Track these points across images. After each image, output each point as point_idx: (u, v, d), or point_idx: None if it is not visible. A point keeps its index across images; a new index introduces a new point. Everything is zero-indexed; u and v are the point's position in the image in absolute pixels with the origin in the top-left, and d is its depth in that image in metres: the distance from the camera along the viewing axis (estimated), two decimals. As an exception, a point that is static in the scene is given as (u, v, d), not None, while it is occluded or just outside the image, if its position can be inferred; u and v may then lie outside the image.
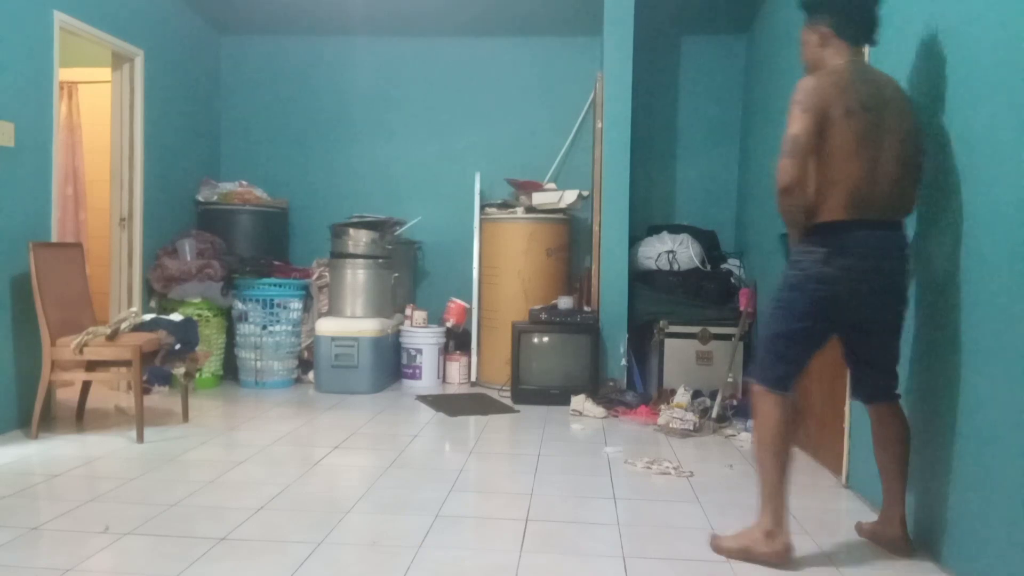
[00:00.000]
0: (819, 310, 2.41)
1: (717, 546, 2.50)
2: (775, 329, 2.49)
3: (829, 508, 3.00)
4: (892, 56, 2.92)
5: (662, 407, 4.32)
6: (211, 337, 5.03)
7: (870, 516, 2.86)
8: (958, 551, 2.31)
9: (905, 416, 2.54)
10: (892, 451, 2.53)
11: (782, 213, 2.44)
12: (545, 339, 4.87)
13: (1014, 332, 2.04)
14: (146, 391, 4.50)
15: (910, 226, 2.63)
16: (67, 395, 4.38)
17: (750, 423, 4.09)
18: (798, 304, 2.43)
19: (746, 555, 2.42)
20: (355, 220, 5.42)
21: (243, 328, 5.11)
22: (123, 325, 3.89)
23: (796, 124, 2.33)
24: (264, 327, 5.10)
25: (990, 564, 2.13)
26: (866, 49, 2.77)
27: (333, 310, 5.23)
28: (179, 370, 4.10)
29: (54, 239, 4.15)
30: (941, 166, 2.49)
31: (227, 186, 5.64)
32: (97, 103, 6.18)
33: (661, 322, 4.82)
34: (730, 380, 4.54)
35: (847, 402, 3.19)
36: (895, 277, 2.43)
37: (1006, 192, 2.11)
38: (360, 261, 5.15)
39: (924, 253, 2.60)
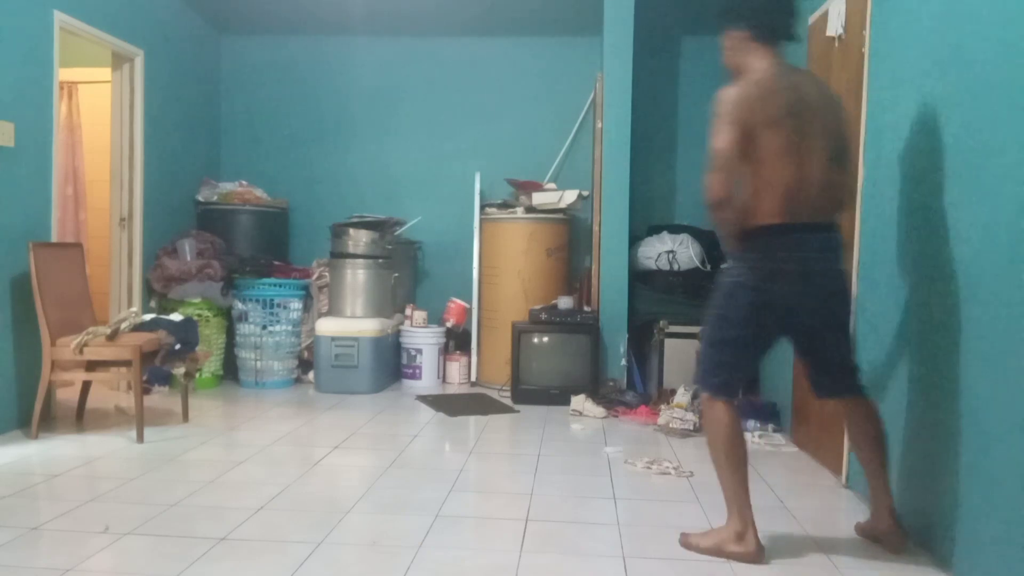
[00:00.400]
0: (757, 315, 2.42)
1: (687, 543, 2.52)
2: (715, 336, 2.51)
3: (829, 508, 3.00)
4: (893, 54, 2.92)
5: (662, 407, 4.32)
6: (211, 337, 5.03)
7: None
8: (958, 551, 2.31)
9: (875, 408, 2.56)
10: (867, 446, 2.54)
11: (716, 225, 2.47)
12: (545, 339, 4.87)
13: (1014, 332, 2.04)
14: (146, 391, 4.50)
15: (906, 225, 2.63)
16: (67, 395, 4.38)
17: (750, 423, 4.11)
18: (735, 311, 2.45)
19: (718, 553, 2.44)
20: (355, 220, 5.42)
21: (243, 328, 5.11)
22: (123, 325, 3.89)
23: (721, 138, 2.35)
24: (264, 327, 5.10)
25: (991, 564, 2.13)
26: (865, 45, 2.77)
27: (333, 310, 5.23)
28: (179, 370, 4.10)
29: (54, 239, 4.15)
30: (936, 165, 2.49)
31: (227, 186, 5.64)
32: (97, 103, 6.18)
33: (661, 322, 4.82)
34: (730, 380, 4.53)
35: (847, 402, 3.19)
36: (831, 276, 2.46)
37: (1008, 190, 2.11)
38: (360, 261, 5.15)
39: (923, 252, 2.60)
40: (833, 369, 2.56)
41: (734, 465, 2.45)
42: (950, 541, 2.35)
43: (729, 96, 2.38)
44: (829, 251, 2.45)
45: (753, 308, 2.41)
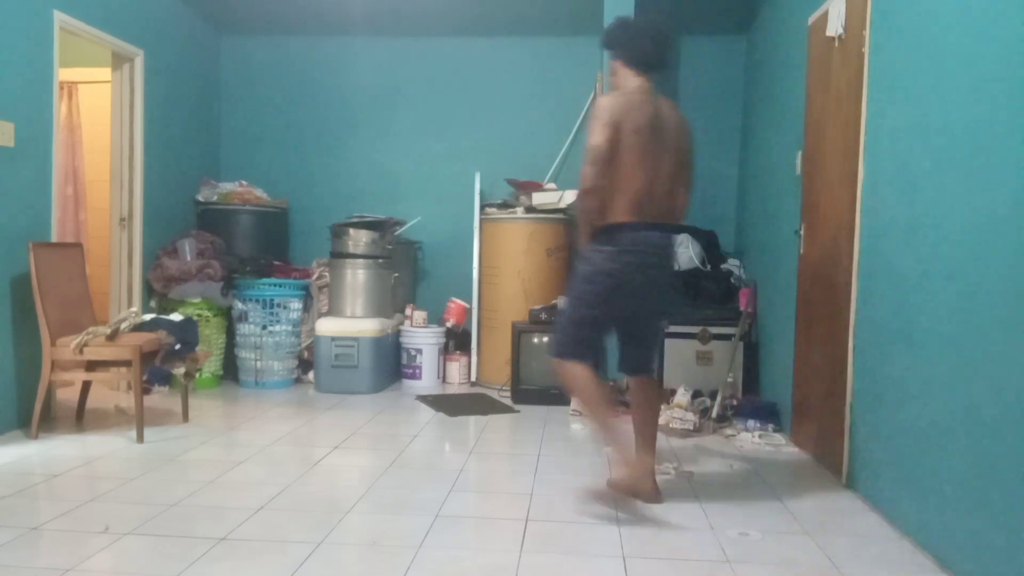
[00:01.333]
0: (606, 299, 2.85)
1: (613, 486, 2.85)
2: (572, 316, 2.93)
3: (829, 508, 3.00)
4: (893, 54, 2.92)
5: (662, 407, 4.32)
6: (211, 337, 5.03)
7: (870, 515, 2.87)
8: (959, 551, 2.31)
9: (656, 385, 3.07)
10: (646, 415, 3.00)
11: (581, 213, 2.87)
12: (545, 339, 4.87)
13: (1015, 331, 2.04)
14: (146, 391, 4.50)
15: (906, 226, 2.63)
16: (67, 395, 4.38)
17: (750, 423, 4.10)
18: (590, 294, 2.86)
19: (629, 494, 2.85)
20: (355, 220, 5.42)
21: (243, 328, 5.11)
22: (123, 325, 3.89)
23: (597, 136, 2.76)
24: (264, 327, 5.10)
25: (991, 564, 2.13)
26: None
27: (333, 310, 5.23)
28: (179, 370, 4.10)
29: (54, 239, 4.15)
30: (935, 165, 2.49)
31: (227, 186, 5.64)
32: (97, 103, 6.18)
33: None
34: (730, 380, 4.54)
35: (847, 402, 3.19)
36: (663, 271, 2.90)
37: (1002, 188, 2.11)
38: (360, 261, 5.15)
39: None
40: (642, 350, 3.02)
41: (602, 408, 2.87)
42: (950, 541, 2.36)
43: (605, 102, 2.83)
44: (667, 249, 2.90)
45: (606, 292, 2.84)
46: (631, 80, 2.94)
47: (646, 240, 2.81)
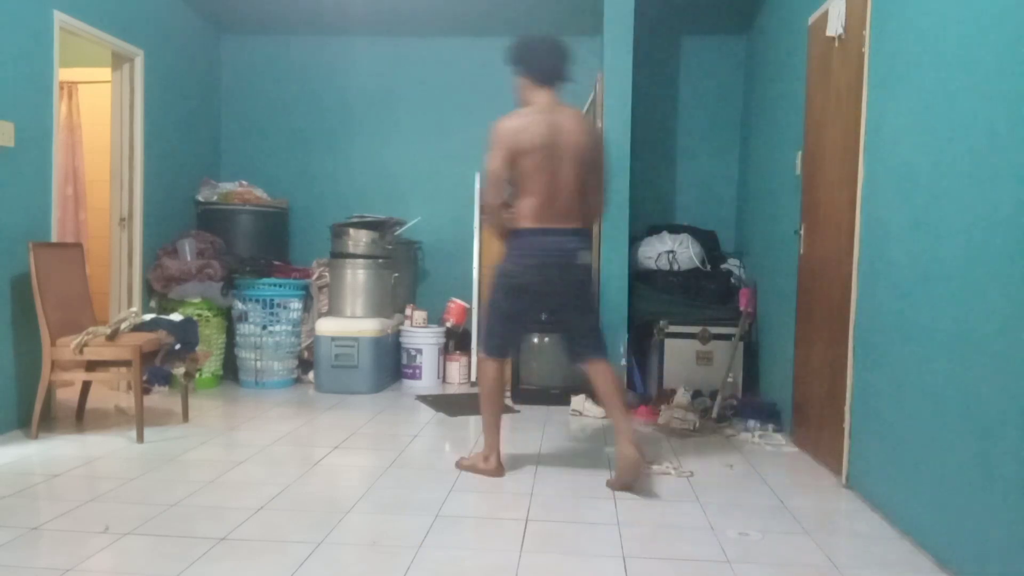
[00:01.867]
0: (514, 296, 3.18)
1: (458, 465, 3.36)
2: (489, 312, 3.29)
3: (829, 508, 3.00)
4: (893, 54, 2.92)
5: (662, 407, 4.32)
6: (211, 337, 5.03)
7: (870, 515, 2.87)
8: (959, 551, 2.31)
9: (611, 369, 3.25)
10: (609, 396, 3.20)
11: (488, 225, 3.27)
12: (545, 339, 4.87)
13: (1015, 331, 2.04)
14: (146, 391, 4.50)
15: (906, 226, 2.62)
16: (67, 395, 4.38)
17: (750, 423, 4.11)
18: (500, 295, 3.22)
19: (472, 470, 3.30)
20: (355, 220, 5.42)
21: (243, 328, 5.11)
22: (123, 325, 3.89)
23: (492, 161, 3.11)
24: (264, 327, 5.10)
25: (991, 564, 2.13)
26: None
27: (333, 310, 5.23)
28: (179, 370, 4.10)
29: (54, 239, 4.15)
30: (935, 165, 2.49)
31: (227, 186, 5.64)
32: (97, 103, 6.18)
33: (661, 322, 4.82)
34: (730, 380, 4.54)
35: (847, 402, 3.19)
36: (566, 270, 3.13)
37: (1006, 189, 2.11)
38: (360, 261, 5.15)
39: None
40: (580, 340, 3.26)
41: (495, 407, 3.29)
42: (951, 541, 2.36)
43: (499, 127, 3.12)
44: (571, 250, 3.12)
45: (514, 290, 3.16)
46: (535, 94, 3.18)
47: (544, 244, 3.10)
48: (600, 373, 3.23)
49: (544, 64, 3.18)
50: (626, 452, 3.04)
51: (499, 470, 3.27)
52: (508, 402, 4.83)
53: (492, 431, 3.29)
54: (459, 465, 3.37)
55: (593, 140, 3.19)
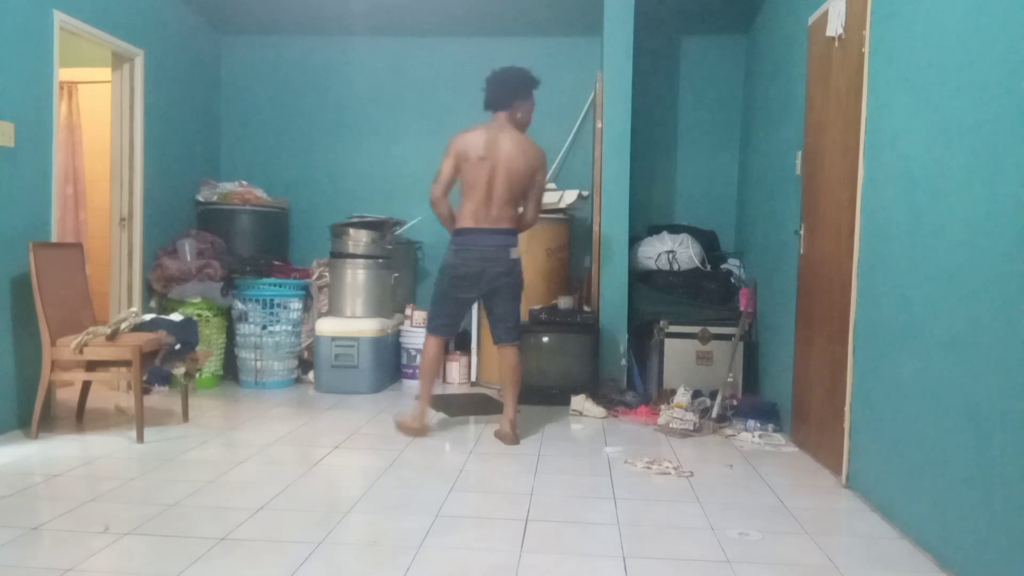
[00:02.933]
0: (451, 285, 3.84)
1: (396, 424, 3.98)
2: (434, 297, 3.94)
3: (829, 508, 3.00)
4: (893, 54, 2.92)
5: (662, 407, 4.32)
6: (211, 337, 5.03)
7: (870, 515, 2.87)
8: (959, 551, 2.31)
9: (516, 356, 3.88)
10: (506, 379, 3.91)
11: (439, 219, 3.92)
12: (545, 339, 4.87)
13: (1015, 330, 2.04)
14: (146, 391, 4.50)
15: (906, 226, 2.62)
16: (67, 395, 4.38)
17: (750, 423, 4.11)
18: (441, 281, 3.89)
19: (404, 428, 3.91)
20: (355, 220, 5.42)
21: (243, 328, 5.11)
22: (123, 325, 3.89)
23: (443, 165, 3.84)
24: (264, 327, 5.10)
25: (991, 564, 2.13)
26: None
27: (333, 310, 5.23)
28: (179, 370, 4.10)
29: (54, 239, 4.15)
30: (935, 164, 2.49)
31: (227, 186, 5.64)
32: (97, 103, 6.18)
33: (661, 322, 4.82)
34: (730, 380, 4.54)
35: (847, 402, 3.19)
36: (494, 263, 3.75)
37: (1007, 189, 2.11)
38: (360, 261, 5.15)
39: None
40: (499, 324, 3.87)
41: (428, 378, 3.93)
42: (950, 541, 2.36)
43: (452, 137, 3.87)
44: (500, 246, 3.75)
45: (451, 279, 3.83)
46: (491, 119, 3.92)
47: (475, 241, 3.75)
48: (505, 357, 3.89)
49: (489, 94, 3.91)
50: (504, 430, 3.84)
51: (424, 430, 3.93)
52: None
53: (425, 397, 3.95)
54: (397, 424, 3.97)
55: (527, 163, 3.78)
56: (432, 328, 3.93)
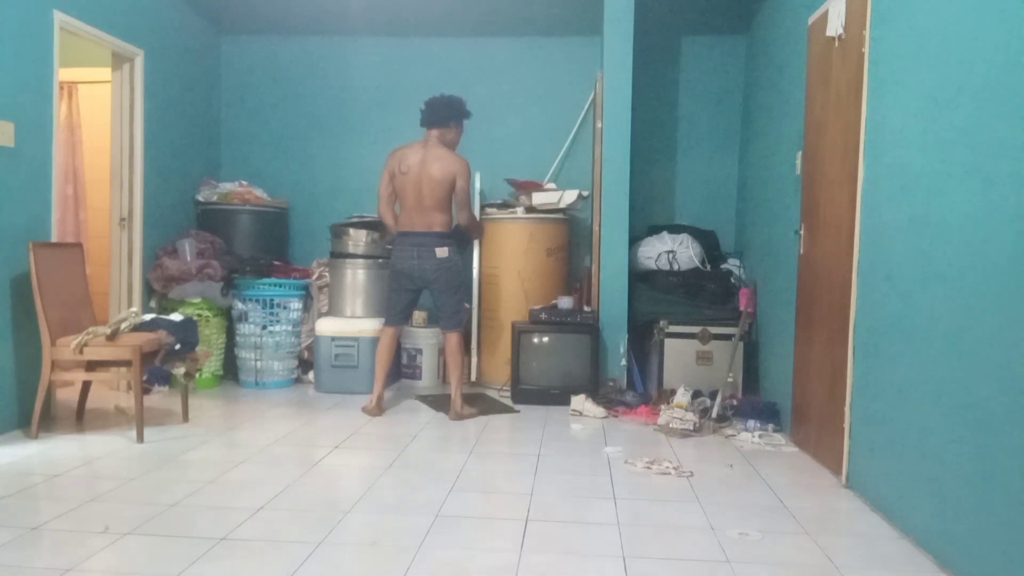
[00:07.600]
0: (393, 279, 4.46)
1: (363, 408, 4.45)
2: (385, 292, 4.62)
3: (829, 508, 3.00)
4: (893, 54, 2.92)
5: (662, 407, 4.32)
6: (211, 337, 5.03)
7: (870, 515, 2.88)
8: (959, 551, 2.31)
9: (459, 342, 4.41)
10: (449, 360, 4.44)
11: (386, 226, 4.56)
12: (545, 339, 4.87)
13: (1015, 330, 2.04)
14: (146, 391, 4.49)
15: (906, 226, 2.62)
16: (67, 395, 4.38)
17: (750, 423, 4.11)
18: (389, 277, 4.50)
19: (367, 412, 4.39)
20: (355, 220, 5.42)
21: (243, 328, 5.11)
22: (123, 325, 3.89)
23: (382, 180, 4.42)
24: (264, 327, 5.10)
25: (991, 564, 2.13)
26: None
27: (333, 310, 5.23)
28: (179, 370, 4.10)
29: (54, 239, 4.15)
30: (935, 165, 2.49)
31: (227, 186, 5.64)
32: (97, 103, 6.17)
33: (661, 322, 4.82)
34: (730, 380, 4.54)
35: (847, 402, 3.19)
36: (427, 260, 4.31)
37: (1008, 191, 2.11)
38: (360, 261, 5.15)
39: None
40: (440, 312, 4.45)
41: (383, 364, 4.47)
42: (950, 540, 2.36)
43: (389, 153, 4.43)
44: (428, 245, 4.31)
45: (393, 275, 4.44)
46: (425, 137, 4.40)
47: (410, 242, 4.34)
48: (448, 342, 4.43)
49: (428, 113, 4.39)
50: (456, 409, 4.35)
51: (376, 411, 4.39)
52: (508, 402, 4.85)
53: (380, 381, 4.45)
54: (362, 408, 4.44)
55: (444, 171, 4.27)
56: (385, 319, 4.52)
